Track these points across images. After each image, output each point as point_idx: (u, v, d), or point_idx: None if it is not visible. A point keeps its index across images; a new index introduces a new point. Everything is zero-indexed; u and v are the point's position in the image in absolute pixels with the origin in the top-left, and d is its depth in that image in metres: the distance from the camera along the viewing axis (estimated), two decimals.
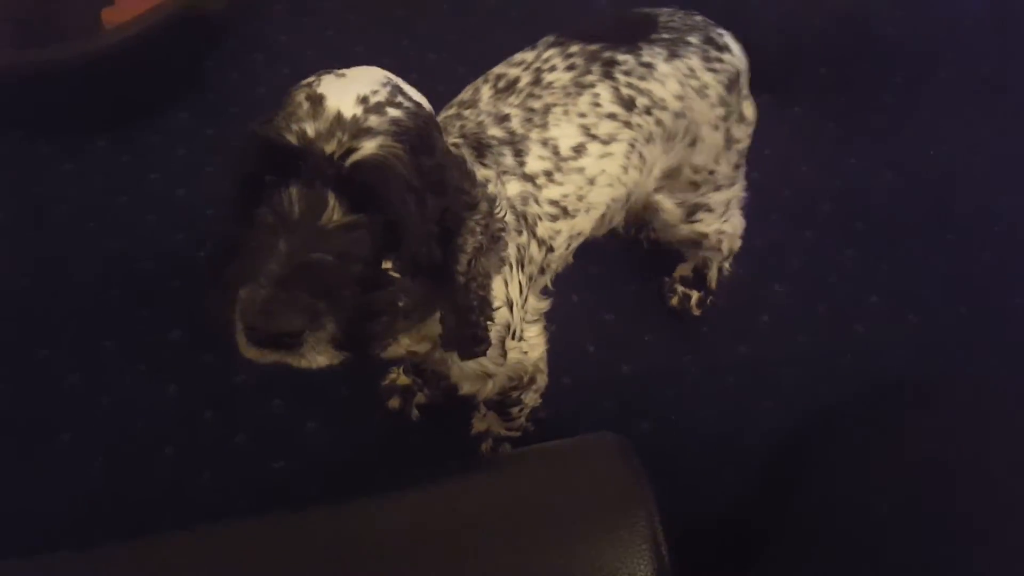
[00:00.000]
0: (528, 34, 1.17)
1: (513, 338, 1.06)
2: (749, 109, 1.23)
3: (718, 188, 1.26)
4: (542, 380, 1.21)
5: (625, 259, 1.60)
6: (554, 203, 1.04)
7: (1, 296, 1.59)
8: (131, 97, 1.78)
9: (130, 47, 1.60)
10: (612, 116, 1.07)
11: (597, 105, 1.06)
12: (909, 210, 1.72)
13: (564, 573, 0.75)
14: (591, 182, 1.06)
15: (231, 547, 0.80)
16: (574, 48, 1.09)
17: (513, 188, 1.01)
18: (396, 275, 0.79)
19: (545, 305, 1.15)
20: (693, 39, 1.13)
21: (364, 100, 0.77)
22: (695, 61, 1.12)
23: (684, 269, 1.53)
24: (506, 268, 0.99)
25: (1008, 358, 1.50)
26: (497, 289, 0.96)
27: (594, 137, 1.06)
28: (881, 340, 1.54)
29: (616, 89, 1.07)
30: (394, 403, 1.43)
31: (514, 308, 1.03)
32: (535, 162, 1.03)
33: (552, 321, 1.18)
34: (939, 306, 1.58)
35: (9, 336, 1.53)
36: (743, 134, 1.23)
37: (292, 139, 0.75)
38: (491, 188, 0.95)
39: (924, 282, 1.62)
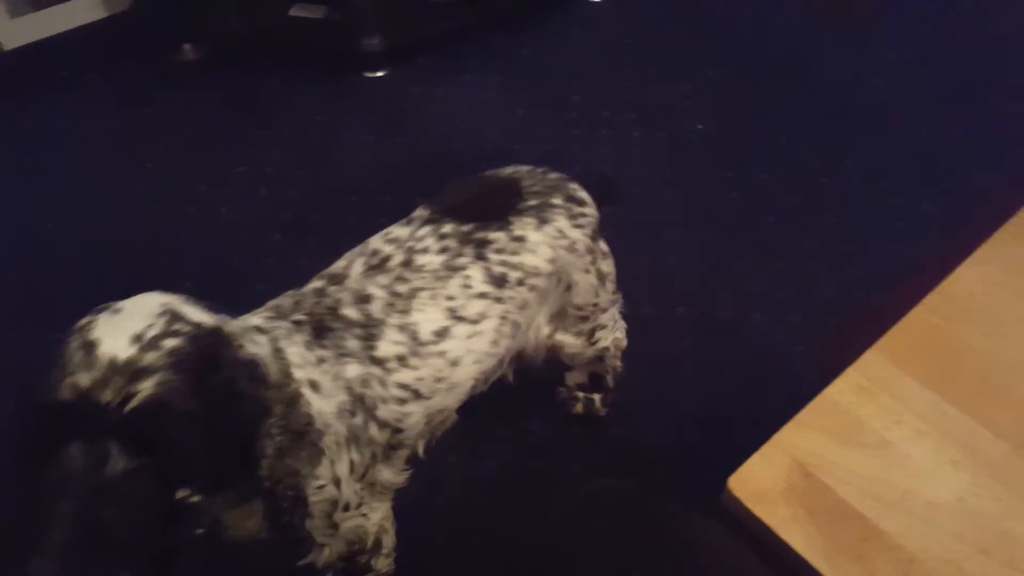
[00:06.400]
0: None
1: (346, 510, 1.05)
2: (604, 244, 1.27)
3: (605, 310, 1.33)
4: (388, 541, 1.18)
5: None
6: (404, 387, 1.04)
7: None
8: None
9: None
10: (483, 295, 1.07)
11: (468, 287, 1.06)
12: None
13: None
14: (454, 363, 1.07)
15: None
16: (447, 228, 1.10)
17: (352, 371, 1.00)
18: (196, 499, 0.80)
19: (402, 480, 1.14)
20: (557, 200, 1.16)
21: (139, 338, 0.77)
22: (562, 222, 1.15)
23: (578, 377, 1.53)
24: (332, 448, 0.98)
25: None
26: (322, 470, 0.97)
27: (461, 319, 1.06)
28: None
29: (488, 269, 1.08)
30: None
31: (342, 484, 1.02)
32: (388, 347, 1.02)
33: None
34: None
35: None
36: (610, 267, 1.29)
37: (67, 394, 0.75)
38: (303, 374, 0.94)
39: None
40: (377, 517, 1.12)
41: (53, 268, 1.86)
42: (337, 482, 1.00)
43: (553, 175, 1.21)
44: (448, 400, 1.09)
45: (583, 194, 1.20)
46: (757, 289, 1.80)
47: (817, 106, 2.28)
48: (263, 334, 0.94)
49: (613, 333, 1.41)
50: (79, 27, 2.38)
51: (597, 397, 1.54)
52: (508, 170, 1.21)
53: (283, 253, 1.86)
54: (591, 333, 1.33)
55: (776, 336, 1.70)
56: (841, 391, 0.96)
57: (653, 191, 2.03)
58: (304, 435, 0.89)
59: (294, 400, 0.89)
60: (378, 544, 1.16)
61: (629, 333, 1.54)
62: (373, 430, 1.02)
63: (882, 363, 0.98)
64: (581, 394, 1.54)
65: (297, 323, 0.99)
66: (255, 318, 0.99)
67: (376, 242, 1.11)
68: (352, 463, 1.01)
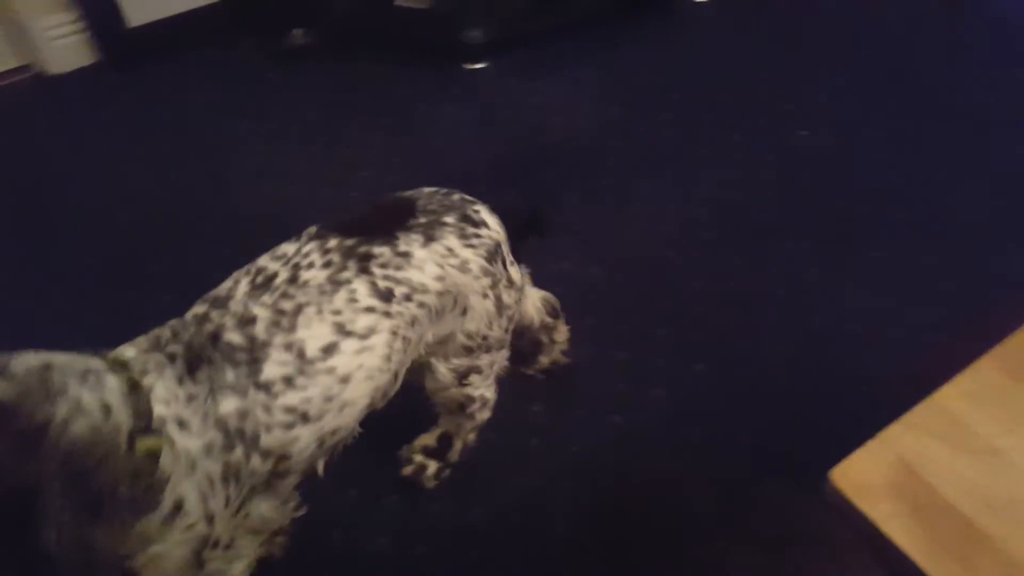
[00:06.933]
0: None
1: (215, 548, 1.00)
2: (516, 274, 1.24)
3: (488, 350, 1.25)
4: None
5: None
6: (291, 410, 0.99)
7: None
8: None
9: None
10: (370, 309, 1.04)
11: (354, 300, 1.03)
12: None
13: None
14: (344, 380, 1.02)
15: None
16: (332, 243, 1.07)
17: (228, 406, 0.95)
18: None
19: (281, 516, 1.11)
20: (449, 219, 1.14)
21: None
22: (453, 240, 1.12)
23: (427, 439, 1.45)
24: (205, 484, 0.94)
25: None
26: (193, 505, 0.93)
27: (350, 334, 1.02)
28: None
29: (373, 283, 1.05)
30: None
31: (216, 520, 0.97)
32: (274, 368, 0.98)
33: None
34: None
35: None
36: (512, 299, 1.23)
37: None
38: (170, 411, 0.90)
39: None
40: (239, 567, 1.08)
41: (155, 235, 1.98)
42: (210, 518, 0.95)
43: (455, 196, 1.18)
44: (340, 420, 1.04)
45: (485, 216, 1.18)
46: (856, 300, 1.78)
47: (932, 114, 2.24)
48: (118, 372, 0.88)
49: (485, 387, 1.32)
50: (198, 8, 2.52)
51: (433, 465, 1.45)
52: (408, 192, 1.19)
53: None
54: (466, 373, 1.26)
55: (872, 348, 1.68)
56: (950, 396, 0.96)
57: (753, 196, 2.04)
58: (102, 505, 0.81)
59: (106, 458, 0.80)
60: None
61: (720, 336, 1.52)
62: (255, 462, 0.98)
63: (995, 372, 0.97)
64: (420, 457, 1.45)
65: (171, 356, 0.95)
66: (130, 350, 0.96)
67: (263, 260, 1.08)
68: (228, 498, 0.97)
